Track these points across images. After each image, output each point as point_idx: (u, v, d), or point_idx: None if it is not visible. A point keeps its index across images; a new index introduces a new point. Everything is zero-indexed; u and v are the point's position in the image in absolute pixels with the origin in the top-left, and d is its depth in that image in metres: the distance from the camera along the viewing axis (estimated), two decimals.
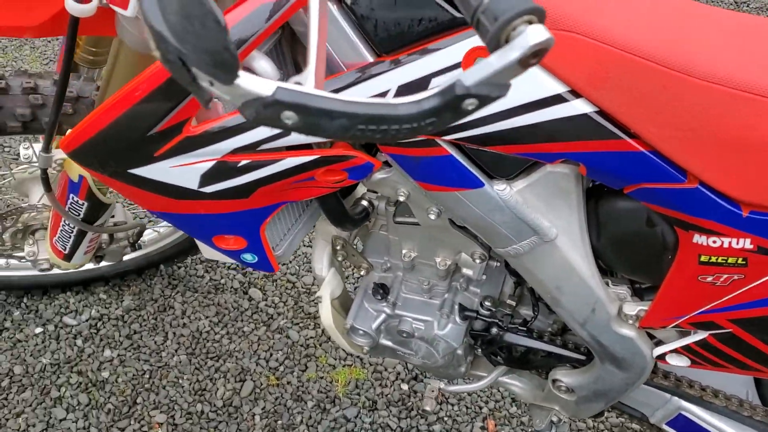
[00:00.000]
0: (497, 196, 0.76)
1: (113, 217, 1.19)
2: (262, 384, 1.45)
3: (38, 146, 1.25)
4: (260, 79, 0.37)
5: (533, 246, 0.80)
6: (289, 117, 0.38)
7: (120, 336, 1.50)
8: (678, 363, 0.87)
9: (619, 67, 0.64)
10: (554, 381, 1.00)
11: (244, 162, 0.75)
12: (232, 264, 1.65)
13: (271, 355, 1.50)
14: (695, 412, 0.97)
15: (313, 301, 1.60)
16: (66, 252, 1.17)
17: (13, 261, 1.45)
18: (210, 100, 0.38)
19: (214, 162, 0.75)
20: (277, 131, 0.72)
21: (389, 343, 1.05)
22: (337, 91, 0.69)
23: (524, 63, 0.37)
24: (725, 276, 0.74)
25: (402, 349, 1.05)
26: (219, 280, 1.62)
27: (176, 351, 1.49)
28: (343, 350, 1.46)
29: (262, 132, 0.72)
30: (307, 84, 0.43)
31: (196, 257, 1.61)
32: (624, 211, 0.77)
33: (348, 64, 0.71)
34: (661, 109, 0.64)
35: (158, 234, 1.51)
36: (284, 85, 0.37)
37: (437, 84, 0.55)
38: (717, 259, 0.73)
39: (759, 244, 0.69)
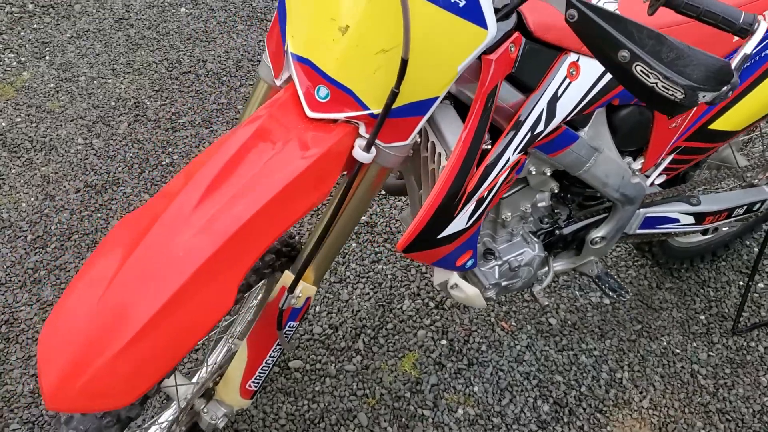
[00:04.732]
0: (584, 140, 1.30)
1: None
2: (375, 414, 1.76)
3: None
4: None
5: (595, 160, 1.36)
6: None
7: None
8: (660, 180, 1.54)
9: None
10: (592, 241, 1.59)
11: (485, 194, 1.16)
12: None
13: (353, 388, 1.81)
14: (654, 210, 1.67)
15: (326, 338, 1.92)
16: (256, 389, 1.35)
17: None
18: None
19: (475, 203, 1.15)
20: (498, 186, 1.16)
21: (505, 282, 1.52)
22: None
23: None
24: (681, 119, 1.41)
25: (512, 282, 1.53)
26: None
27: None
28: (476, 308, 1.92)
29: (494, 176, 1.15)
30: None
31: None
32: (627, 115, 1.38)
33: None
34: None
35: None
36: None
37: None
38: None
39: None
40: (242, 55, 2.96)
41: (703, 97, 0.85)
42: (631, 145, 1.45)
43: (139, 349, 0.89)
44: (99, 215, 2.24)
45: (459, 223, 1.15)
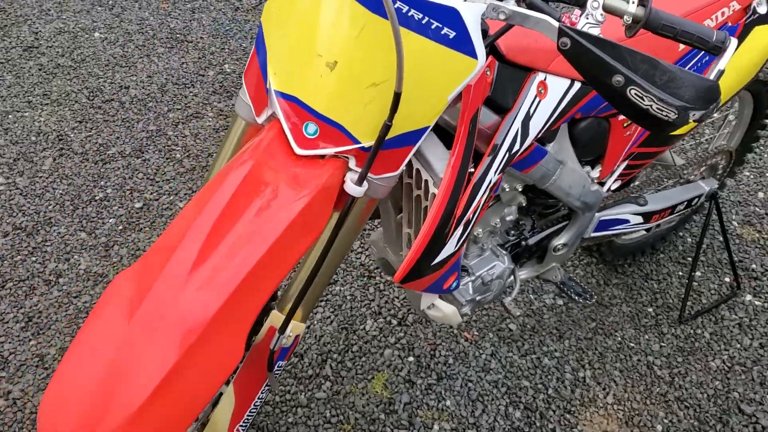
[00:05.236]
0: (551, 154, 1.34)
1: None
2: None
3: None
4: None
5: (560, 172, 1.40)
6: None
7: None
8: (615, 186, 1.60)
9: None
10: (554, 248, 1.63)
11: (470, 217, 1.18)
12: None
13: (326, 416, 1.78)
14: (607, 214, 1.73)
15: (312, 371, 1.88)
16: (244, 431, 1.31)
17: None
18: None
19: (462, 226, 1.16)
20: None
21: (478, 297, 1.54)
22: None
23: None
24: (635, 126, 1.47)
25: (484, 296, 1.55)
26: None
27: None
28: (451, 326, 1.91)
29: (479, 198, 1.17)
30: None
31: None
32: (586, 127, 1.42)
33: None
34: None
35: None
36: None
37: None
38: (629, 121, 1.45)
39: None
40: (166, 78, 2.86)
41: (693, 115, 0.89)
42: (589, 155, 1.50)
43: (153, 412, 0.85)
44: (34, 259, 2.11)
45: (449, 247, 1.16)
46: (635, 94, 0.88)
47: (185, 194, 2.36)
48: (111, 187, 2.37)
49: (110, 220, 2.26)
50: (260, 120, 1.08)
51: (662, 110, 0.87)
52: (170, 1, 3.30)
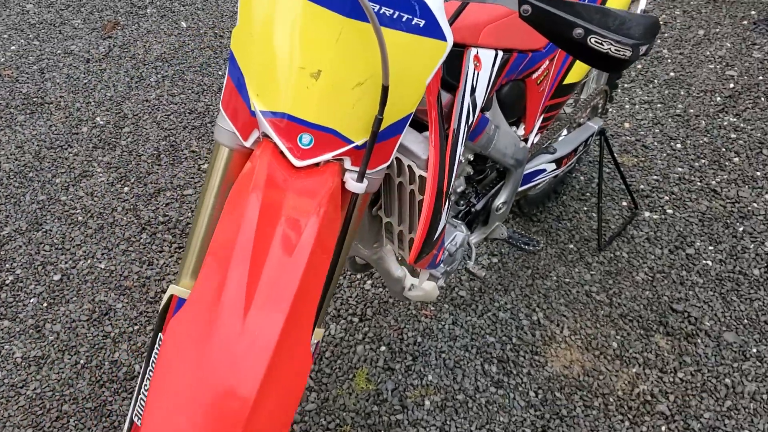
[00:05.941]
0: (490, 121, 1.46)
1: None
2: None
3: None
4: None
5: (497, 136, 1.53)
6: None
7: None
8: (537, 140, 1.76)
9: None
10: (496, 209, 1.77)
11: (450, 190, 1.27)
12: None
13: (323, 424, 1.81)
14: (527, 168, 1.89)
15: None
16: None
17: None
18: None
19: (448, 200, 1.25)
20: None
21: (448, 268, 1.63)
22: None
23: None
24: (546, 82, 1.63)
25: (452, 266, 1.65)
26: None
27: None
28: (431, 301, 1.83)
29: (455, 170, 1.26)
30: None
31: None
32: (509, 90, 1.56)
33: None
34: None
35: None
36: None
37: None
38: (541, 78, 1.61)
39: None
40: (38, 145, 2.72)
41: (641, 50, 1.03)
42: (513, 116, 1.64)
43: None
44: None
45: (443, 220, 1.24)
46: (595, 42, 1.01)
47: (103, 254, 2.28)
48: (19, 267, 2.24)
49: (31, 300, 2.13)
50: (248, 144, 1.10)
51: (619, 51, 1.01)
52: (13, 67, 3.12)
